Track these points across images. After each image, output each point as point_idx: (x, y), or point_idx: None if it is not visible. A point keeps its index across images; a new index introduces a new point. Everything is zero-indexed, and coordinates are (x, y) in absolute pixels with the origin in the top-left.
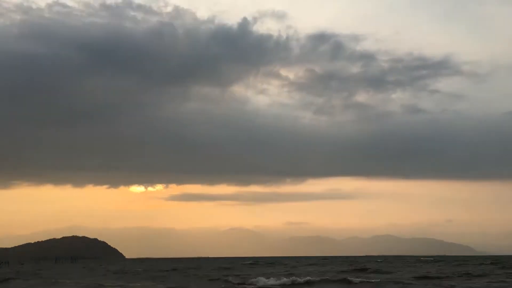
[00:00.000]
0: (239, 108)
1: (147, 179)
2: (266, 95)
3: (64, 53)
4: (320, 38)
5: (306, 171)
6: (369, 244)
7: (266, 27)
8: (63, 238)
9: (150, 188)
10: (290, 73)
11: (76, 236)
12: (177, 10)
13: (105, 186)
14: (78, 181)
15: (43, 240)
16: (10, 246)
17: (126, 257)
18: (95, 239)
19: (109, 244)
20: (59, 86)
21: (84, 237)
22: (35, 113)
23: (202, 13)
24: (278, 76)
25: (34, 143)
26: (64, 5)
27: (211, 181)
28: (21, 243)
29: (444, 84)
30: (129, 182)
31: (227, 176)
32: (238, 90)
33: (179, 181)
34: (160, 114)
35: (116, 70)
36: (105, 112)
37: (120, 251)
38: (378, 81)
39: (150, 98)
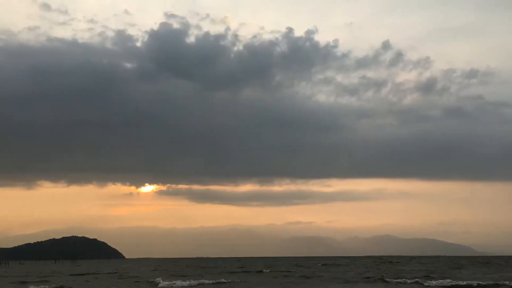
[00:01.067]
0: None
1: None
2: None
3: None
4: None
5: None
6: (369, 244)
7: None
8: (63, 238)
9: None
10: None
11: (75, 236)
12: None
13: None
14: None
15: (43, 240)
16: (10, 246)
17: (126, 257)
18: (95, 239)
19: (108, 244)
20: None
21: (83, 237)
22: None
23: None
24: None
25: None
26: None
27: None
28: (21, 243)
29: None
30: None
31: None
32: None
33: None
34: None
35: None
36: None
37: (120, 251)
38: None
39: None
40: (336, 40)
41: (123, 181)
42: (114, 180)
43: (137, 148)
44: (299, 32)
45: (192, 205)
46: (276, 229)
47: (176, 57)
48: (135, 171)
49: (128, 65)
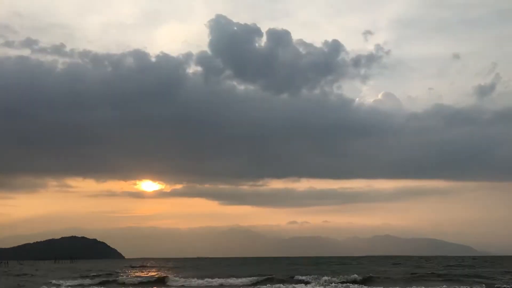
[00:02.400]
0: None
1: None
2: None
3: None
4: None
5: None
6: (369, 244)
7: None
8: (62, 238)
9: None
10: None
11: (75, 236)
12: None
13: None
14: None
15: (42, 240)
16: (9, 246)
17: (126, 257)
18: (94, 240)
19: (108, 244)
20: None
21: (83, 238)
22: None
23: None
24: None
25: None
26: None
27: None
28: (20, 243)
29: None
30: None
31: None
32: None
33: None
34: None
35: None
36: None
37: (120, 251)
38: None
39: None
40: None
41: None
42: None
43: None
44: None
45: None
46: (277, 230)
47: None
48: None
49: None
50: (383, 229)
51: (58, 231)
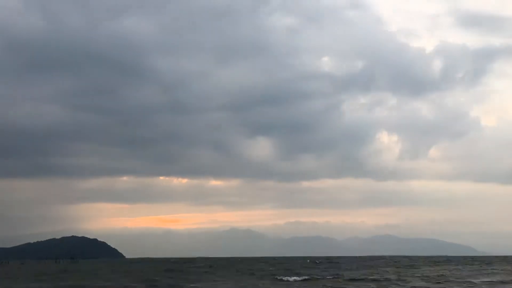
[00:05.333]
0: None
1: None
2: None
3: None
4: None
5: None
6: (369, 244)
7: None
8: (63, 238)
9: None
10: None
11: (75, 236)
12: None
13: None
14: None
15: (43, 240)
16: (10, 246)
17: (126, 257)
18: (95, 239)
19: (108, 244)
20: None
21: (83, 237)
22: None
23: None
24: None
25: None
26: None
27: None
28: (21, 243)
29: None
30: None
31: None
32: None
33: None
34: None
35: None
36: None
37: (120, 251)
38: None
39: None
40: None
41: None
42: None
43: None
44: None
45: None
46: (277, 229)
47: None
48: None
49: None
50: (383, 229)
51: (58, 230)
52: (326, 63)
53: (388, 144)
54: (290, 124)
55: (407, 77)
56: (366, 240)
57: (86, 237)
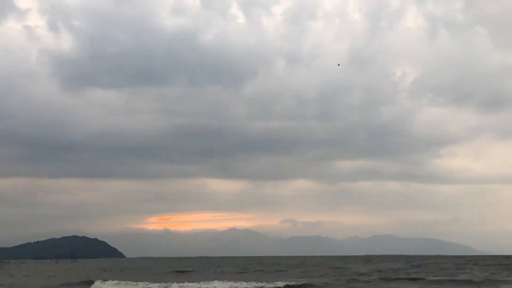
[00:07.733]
0: None
1: None
2: None
3: None
4: None
5: None
6: (369, 244)
7: None
8: (63, 238)
9: None
10: None
11: (76, 235)
12: None
13: None
14: None
15: (43, 240)
16: (10, 246)
17: (127, 256)
18: (95, 239)
19: (109, 244)
20: None
21: (84, 237)
22: None
23: None
24: None
25: None
26: None
27: None
28: (21, 243)
29: None
30: None
31: None
32: None
33: None
34: None
35: None
36: None
37: (120, 251)
38: None
39: None
40: None
41: None
42: None
43: None
44: None
45: None
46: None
47: None
48: None
49: None
50: (383, 229)
51: (59, 230)
52: None
53: None
54: None
55: None
56: (366, 240)
57: (87, 237)
